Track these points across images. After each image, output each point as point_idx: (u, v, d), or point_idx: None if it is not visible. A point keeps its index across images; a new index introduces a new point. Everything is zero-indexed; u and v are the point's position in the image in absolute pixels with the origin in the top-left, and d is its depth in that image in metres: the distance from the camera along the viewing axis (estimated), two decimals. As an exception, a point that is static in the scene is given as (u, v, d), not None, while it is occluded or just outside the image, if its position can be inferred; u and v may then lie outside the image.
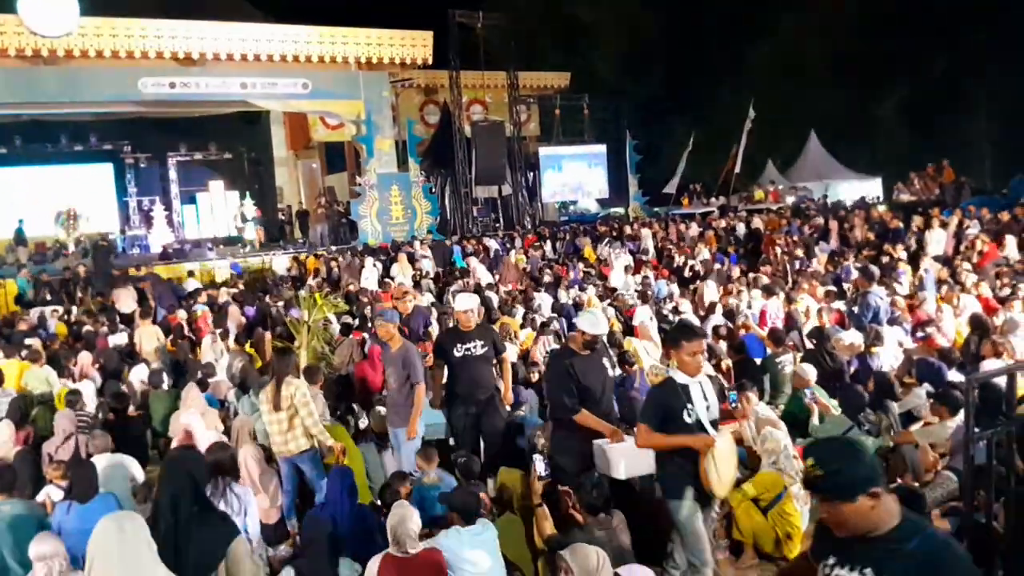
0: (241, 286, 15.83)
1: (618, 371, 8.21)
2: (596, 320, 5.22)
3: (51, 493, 5.89)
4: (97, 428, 6.48)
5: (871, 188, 26.68)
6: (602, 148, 27.18)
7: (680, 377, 4.32)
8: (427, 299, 12.73)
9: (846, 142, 29.43)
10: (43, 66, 17.89)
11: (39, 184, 23.28)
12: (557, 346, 9.33)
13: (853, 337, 8.56)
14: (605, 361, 5.33)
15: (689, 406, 4.24)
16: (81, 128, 23.52)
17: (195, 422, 6.48)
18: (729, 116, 26.95)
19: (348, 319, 11.77)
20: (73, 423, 6.86)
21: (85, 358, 9.66)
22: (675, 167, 26.24)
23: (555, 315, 11.05)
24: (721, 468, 4.18)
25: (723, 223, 20.00)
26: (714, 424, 4.35)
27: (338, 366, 9.50)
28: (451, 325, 7.23)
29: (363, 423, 7.67)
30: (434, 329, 10.09)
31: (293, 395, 5.77)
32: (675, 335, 4.54)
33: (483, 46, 23.84)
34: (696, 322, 10.44)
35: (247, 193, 25.64)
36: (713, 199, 26.11)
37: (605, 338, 5.94)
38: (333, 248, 19.97)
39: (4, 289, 16.08)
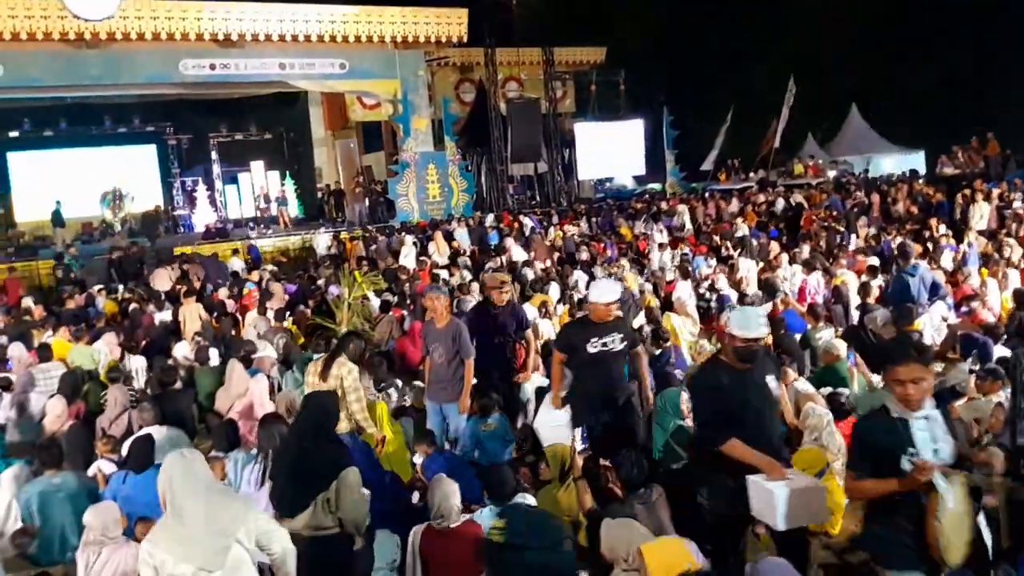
0: (279, 263, 16.10)
1: (653, 348, 8.30)
2: (748, 319, 3.97)
3: (102, 467, 6.07)
4: (143, 403, 6.64)
5: (914, 162, 26.08)
6: (638, 123, 26.91)
7: (896, 409, 3.34)
8: (467, 276, 12.82)
9: (888, 115, 28.77)
10: (86, 49, 18.21)
11: (84, 166, 23.79)
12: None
13: (882, 316, 8.45)
14: (769, 379, 4.12)
15: (911, 449, 3.26)
16: (124, 110, 23.95)
17: (260, 390, 6.67)
18: (768, 90, 26.49)
19: (387, 296, 11.92)
20: (127, 397, 7.08)
21: (111, 338, 9.78)
22: (712, 142, 25.93)
23: (592, 292, 11.03)
24: (952, 530, 3.19)
25: (762, 198, 19.76)
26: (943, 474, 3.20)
27: (378, 342, 9.64)
28: (582, 316, 6.30)
29: (406, 399, 7.80)
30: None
31: (343, 376, 5.74)
32: (886, 355, 3.63)
33: (518, 22, 23.72)
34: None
35: (287, 173, 25.96)
36: (752, 174, 25.77)
37: (766, 341, 4.72)
38: (371, 227, 20.14)
39: (51, 269, 16.54)
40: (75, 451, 6.27)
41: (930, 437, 3.29)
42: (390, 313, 10.60)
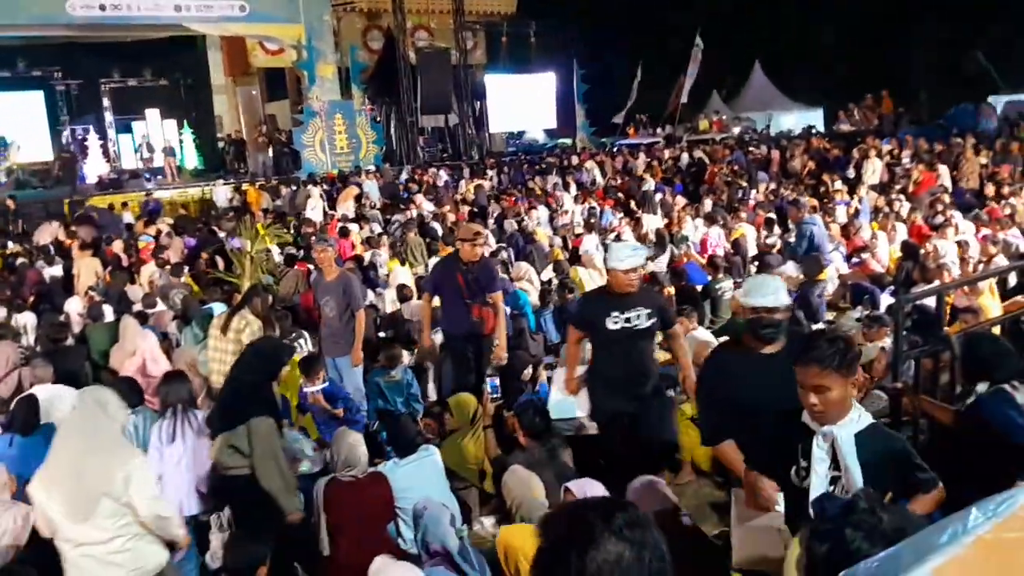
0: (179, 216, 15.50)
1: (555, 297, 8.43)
2: (758, 286, 3.37)
3: (-13, 428, 5.81)
4: (36, 359, 6.34)
5: (813, 118, 26.97)
6: (550, 76, 26.85)
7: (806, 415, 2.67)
8: (376, 228, 12.66)
9: (789, 73, 29.57)
10: (-36, -15, 16.85)
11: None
12: (505, 276, 9.44)
13: (790, 270, 8.82)
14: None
15: (802, 463, 2.68)
16: (8, 53, 22.28)
17: (153, 347, 6.47)
18: (676, 46, 26.79)
19: (291, 250, 11.67)
20: (16, 355, 6.75)
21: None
22: (623, 97, 26.14)
23: (503, 245, 11.08)
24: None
25: (668, 153, 20.12)
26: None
27: (284, 296, 9.46)
28: (600, 286, 5.47)
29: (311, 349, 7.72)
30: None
31: (241, 331, 5.70)
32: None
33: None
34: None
35: (185, 122, 24.84)
36: (659, 129, 26.16)
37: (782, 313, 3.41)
38: (275, 178, 19.57)
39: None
40: (-44, 412, 5.95)
41: (830, 458, 2.61)
42: (295, 267, 10.39)
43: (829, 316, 8.43)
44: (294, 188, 17.58)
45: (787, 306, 3.38)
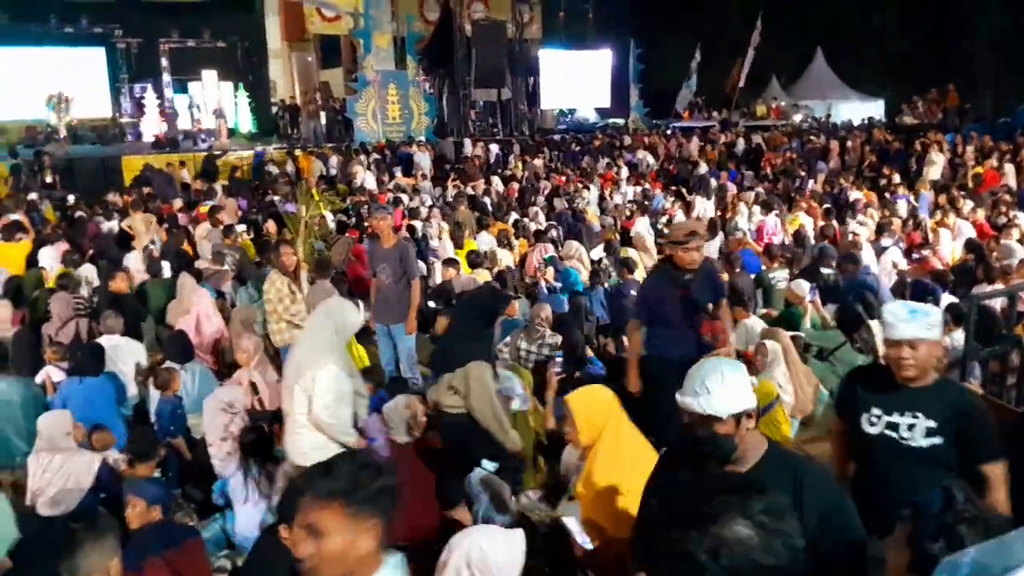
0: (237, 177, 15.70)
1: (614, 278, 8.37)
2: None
3: (51, 373, 5.95)
4: (106, 311, 6.48)
5: (874, 109, 26.32)
6: (605, 54, 26.53)
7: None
8: (427, 200, 12.68)
9: (851, 61, 28.83)
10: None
11: (27, 66, 22.56)
12: (554, 254, 9.40)
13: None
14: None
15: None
16: (71, 8, 22.65)
17: (208, 305, 6.59)
18: (735, 28, 26.26)
19: (343, 217, 11.75)
20: (70, 307, 6.89)
21: (62, 245, 9.53)
22: (679, 79, 25.73)
23: (553, 223, 11.02)
24: None
25: (723, 138, 19.80)
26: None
27: (336, 263, 9.53)
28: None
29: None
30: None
31: (267, 291, 5.93)
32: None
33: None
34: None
35: (240, 85, 25.06)
36: (715, 113, 25.74)
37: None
38: (327, 145, 19.68)
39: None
40: (22, 357, 6.12)
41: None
42: (346, 234, 10.46)
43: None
44: (345, 155, 17.67)
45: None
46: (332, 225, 10.99)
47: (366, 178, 15.24)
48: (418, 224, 11.11)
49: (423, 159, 17.45)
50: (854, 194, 12.58)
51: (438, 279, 9.28)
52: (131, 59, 24.19)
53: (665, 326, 4.61)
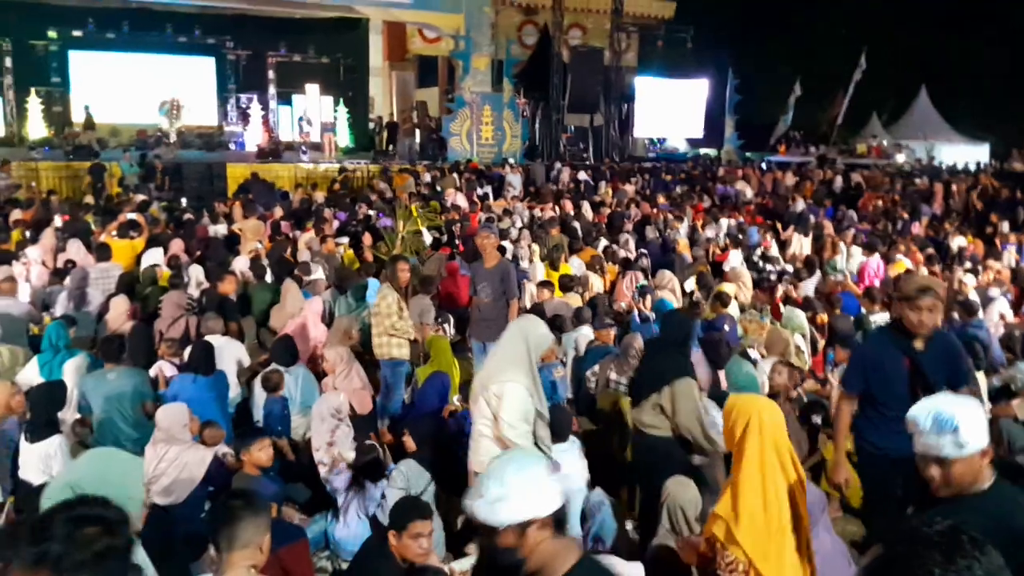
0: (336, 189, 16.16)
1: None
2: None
3: (163, 368, 6.23)
4: (210, 311, 6.76)
5: (978, 153, 25.38)
6: (701, 84, 26.32)
7: None
8: (518, 222, 12.79)
9: (955, 103, 27.90)
10: (157, -46, 18.17)
11: (142, 72, 23.84)
12: (646, 282, 9.35)
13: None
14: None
15: None
16: (186, 19, 23.84)
17: (313, 312, 6.78)
18: (838, 61, 25.78)
19: (436, 234, 11.95)
20: (183, 304, 7.21)
21: (177, 245, 10.03)
22: (776, 112, 25.35)
23: (643, 252, 10.97)
24: None
25: (821, 174, 19.38)
26: None
27: (429, 279, 9.69)
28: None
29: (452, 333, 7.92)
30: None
31: (378, 304, 6.04)
32: None
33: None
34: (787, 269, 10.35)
35: (340, 100, 25.83)
36: (812, 149, 25.22)
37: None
38: (421, 163, 20.08)
39: (108, 172, 16.76)
40: (137, 350, 6.42)
41: None
42: (439, 251, 10.64)
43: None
44: (439, 173, 17.99)
45: None
46: (427, 241, 11.18)
47: (458, 197, 15.47)
48: (508, 245, 11.21)
49: (515, 180, 17.63)
50: (959, 241, 12.13)
51: (528, 301, 9.34)
52: (239, 70, 25.25)
53: (882, 405, 3.74)
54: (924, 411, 2.42)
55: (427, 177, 17.75)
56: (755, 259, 10.82)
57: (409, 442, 4.40)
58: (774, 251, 11.29)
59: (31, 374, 6.07)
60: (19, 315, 7.54)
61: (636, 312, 8.28)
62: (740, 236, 11.74)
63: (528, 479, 2.01)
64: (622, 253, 11.07)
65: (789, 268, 10.14)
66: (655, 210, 14.75)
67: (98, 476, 2.37)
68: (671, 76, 26.03)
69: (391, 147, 23.14)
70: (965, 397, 2.56)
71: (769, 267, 10.16)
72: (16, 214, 12.05)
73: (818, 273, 10.27)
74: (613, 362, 6.15)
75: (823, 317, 7.85)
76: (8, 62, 22.25)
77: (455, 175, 17.61)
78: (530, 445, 3.97)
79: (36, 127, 21.86)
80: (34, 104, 22.05)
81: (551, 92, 22.77)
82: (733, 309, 8.53)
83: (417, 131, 23.09)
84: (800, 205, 14.96)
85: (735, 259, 10.49)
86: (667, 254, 11.43)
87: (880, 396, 3.72)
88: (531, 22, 25.58)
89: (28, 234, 10.56)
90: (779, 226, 13.83)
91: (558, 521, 2.06)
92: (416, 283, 7.17)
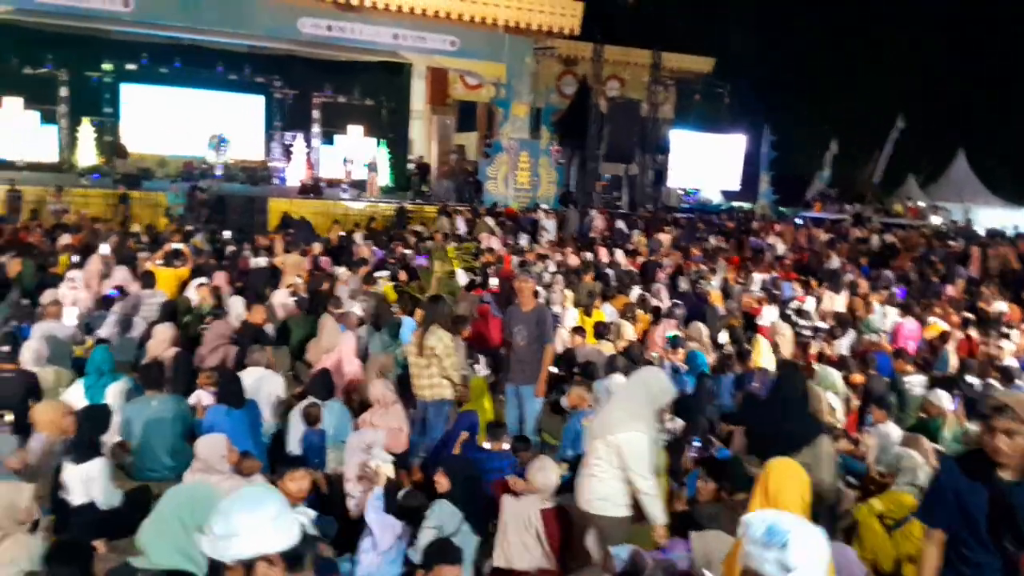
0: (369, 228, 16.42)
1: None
2: None
3: (202, 397, 6.37)
4: (251, 343, 6.90)
5: (1017, 217, 25.12)
6: (737, 138, 26.53)
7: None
8: (551, 267, 12.89)
9: (992, 166, 27.74)
10: (213, -5, 18.87)
11: (192, 107, 24.58)
12: (679, 333, 9.36)
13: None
14: None
15: None
16: (237, 59, 24.60)
17: (349, 347, 6.88)
18: (876, 120, 25.84)
19: (471, 275, 12.08)
20: (224, 335, 7.38)
21: (220, 276, 10.25)
22: (812, 167, 25.42)
23: (677, 302, 10.99)
24: None
25: (856, 233, 19.33)
26: None
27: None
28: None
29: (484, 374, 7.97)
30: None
31: (435, 346, 6.00)
32: None
33: (629, 23, 23.61)
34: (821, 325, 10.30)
35: (381, 141, 26.35)
36: (848, 206, 25.18)
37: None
38: (457, 205, 20.34)
39: (155, 202, 17.26)
40: (178, 377, 6.56)
41: None
42: (472, 292, 10.76)
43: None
44: (473, 215, 18.21)
45: None
46: (462, 282, 11.31)
47: (492, 240, 15.65)
48: (541, 290, 11.30)
49: (549, 225, 17.79)
50: (998, 305, 12.00)
51: (560, 346, 9.40)
52: (285, 109, 25.91)
53: (970, 547, 3.09)
54: (761, 518, 2.24)
55: (462, 219, 17.98)
56: (789, 314, 10.80)
57: (442, 481, 4.44)
58: (808, 303, 11.25)
59: (75, 396, 6.23)
60: (64, 337, 7.75)
61: (667, 363, 8.29)
62: (774, 290, 11.72)
63: (256, 517, 2.04)
64: (655, 302, 11.10)
65: (823, 325, 10.09)
66: (688, 260, 14.80)
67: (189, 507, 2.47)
68: (707, 130, 26.28)
69: (427, 188, 23.48)
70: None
71: (803, 323, 10.13)
72: (65, 239, 12.42)
73: (852, 331, 10.21)
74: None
75: (857, 377, 7.80)
76: (64, 92, 23.04)
77: (489, 218, 17.82)
78: (661, 494, 4.09)
79: (87, 155, 22.54)
80: (86, 133, 22.77)
81: (588, 141, 23.08)
82: (768, 363, 8.53)
83: (454, 174, 23.45)
84: (835, 262, 14.92)
85: (770, 313, 10.48)
86: (700, 305, 11.44)
87: (969, 535, 3.07)
88: (570, 73, 26.06)
89: (75, 258, 10.87)
90: (812, 282, 13.78)
91: (292, 558, 2.08)
92: (449, 323, 7.24)
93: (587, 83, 23.72)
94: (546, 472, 4.27)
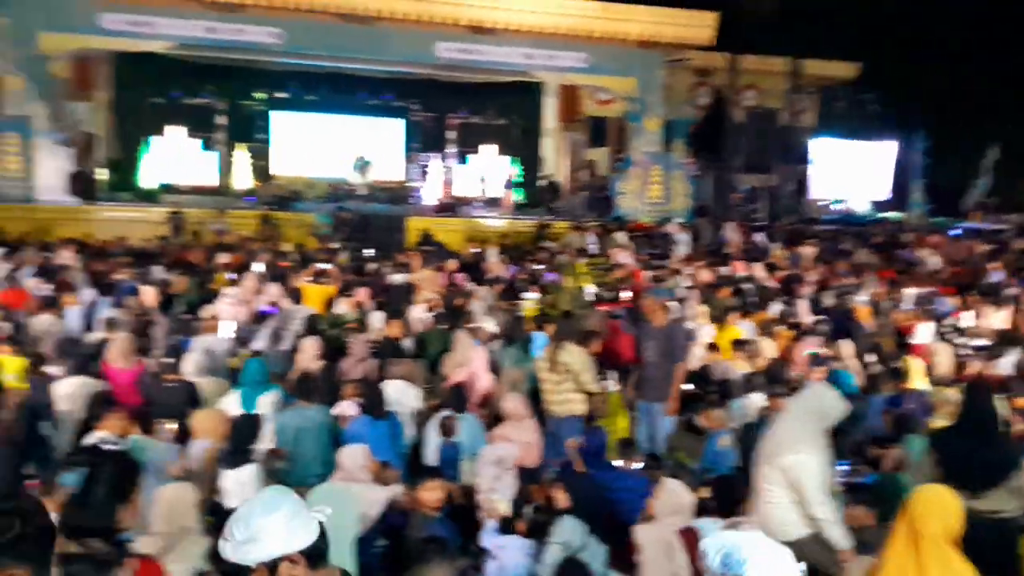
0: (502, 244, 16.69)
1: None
2: None
3: (346, 408, 6.65)
4: (390, 356, 7.16)
5: None
6: (886, 146, 25.17)
7: None
8: (685, 282, 12.66)
9: None
10: (356, 25, 19.79)
11: (336, 132, 25.86)
12: (821, 351, 8.96)
13: None
14: None
15: None
16: (378, 84, 25.67)
17: (481, 361, 7.02)
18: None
19: (602, 291, 12.04)
20: (366, 348, 7.69)
21: (362, 292, 10.67)
22: (969, 176, 23.75)
23: (822, 318, 10.51)
24: None
25: (1018, 245, 17.89)
26: None
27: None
28: None
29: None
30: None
31: (569, 362, 6.06)
32: None
33: (767, 30, 22.89)
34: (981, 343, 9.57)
35: (514, 159, 26.77)
36: (1009, 216, 23.33)
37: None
38: (587, 220, 20.34)
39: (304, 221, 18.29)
40: (324, 389, 6.88)
41: None
42: (601, 307, 10.71)
43: None
44: (604, 230, 18.16)
45: None
46: (591, 298, 11.30)
47: (624, 254, 15.53)
48: (674, 305, 11.10)
49: (682, 239, 17.48)
50: None
51: (694, 362, 9.19)
52: (423, 131, 26.80)
53: None
54: (717, 544, 2.25)
55: (592, 235, 17.96)
56: (945, 331, 10.11)
57: (560, 497, 4.43)
58: (967, 322, 10.50)
59: (231, 405, 6.65)
60: (221, 351, 8.31)
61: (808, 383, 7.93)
62: (929, 306, 11.01)
63: (273, 519, 2.11)
64: (797, 318, 10.67)
65: (983, 342, 9.38)
66: (834, 275, 14.14)
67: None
68: (853, 137, 25.09)
69: (558, 204, 23.61)
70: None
71: (962, 340, 9.46)
72: (222, 257, 13.32)
73: (1015, 350, 9.42)
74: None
75: (1022, 400, 7.19)
76: (223, 120, 24.81)
77: (621, 233, 17.71)
78: (837, 518, 3.96)
79: (242, 179, 24.12)
80: (241, 158, 24.39)
81: (723, 152, 22.55)
82: (921, 384, 8.03)
83: (585, 189, 23.47)
84: (996, 275, 13.86)
85: (925, 331, 9.85)
86: (846, 322, 10.91)
87: None
88: (705, 84, 25.54)
89: (232, 276, 11.64)
90: (970, 298, 12.84)
91: (314, 555, 2.15)
92: (580, 338, 7.24)
93: (722, 93, 23.21)
94: (676, 493, 4.17)
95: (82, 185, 19.26)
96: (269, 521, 2.13)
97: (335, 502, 2.82)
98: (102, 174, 20.42)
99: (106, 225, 17.46)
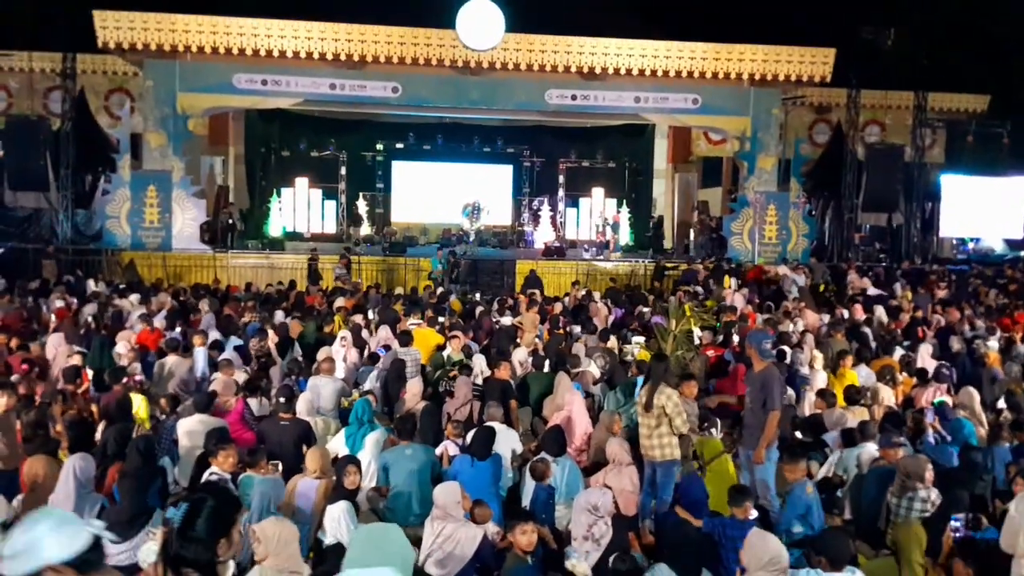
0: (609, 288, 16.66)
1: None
2: None
3: (448, 447, 6.79)
4: (491, 399, 7.28)
5: None
6: (1020, 181, 23.63)
7: None
8: (800, 326, 12.25)
9: None
10: (468, 76, 20.48)
11: (450, 179, 26.71)
12: (946, 398, 8.46)
13: None
14: None
15: None
16: (491, 132, 26.42)
17: (579, 405, 7.04)
18: None
19: (710, 334, 11.79)
20: (470, 390, 7.85)
21: (468, 335, 10.82)
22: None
23: (946, 363, 9.94)
24: None
25: None
26: None
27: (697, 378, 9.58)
28: None
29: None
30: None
31: (664, 405, 5.99)
32: None
33: (888, 64, 22.08)
34: None
35: (623, 201, 26.78)
36: None
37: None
38: (698, 261, 20.04)
39: (418, 266, 18.88)
40: (427, 429, 7.08)
41: None
42: (704, 352, 10.51)
43: None
44: (713, 272, 17.81)
45: None
46: (697, 340, 11.09)
47: (735, 297, 15.18)
48: (787, 350, 10.74)
49: (797, 280, 16.92)
50: None
51: (807, 410, 8.87)
52: (533, 175, 27.27)
53: None
54: None
55: (700, 276, 17.66)
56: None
57: (650, 541, 4.36)
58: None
59: (338, 444, 6.92)
60: (333, 391, 8.65)
61: (931, 432, 7.51)
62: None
63: (32, 533, 2.24)
64: (920, 364, 10.13)
65: None
66: (962, 318, 13.35)
67: (376, 547, 2.71)
68: (984, 173, 23.70)
69: (671, 245, 23.39)
70: None
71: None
72: (339, 301, 13.91)
73: None
74: (894, 484, 5.63)
75: None
76: (344, 171, 26.08)
77: (733, 277, 17.32)
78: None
79: (361, 226, 25.20)
80: (361, 206, 25.51)
81: (843, 190, 21.80)
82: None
83: (698, 230, 23.16)
84: None
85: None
86: (975, 368, 10.27)
87: None
88: (824, 120, 24.84)
89: (348, 320, 12.12)
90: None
91: (82, 564, 2.27)
92: (673, 381, 7.14)
93: (842, 129, 22.50)
94: (765, 541, 4.01)
95: (214, 234, 20.64)
96: (28, 535, 2.27)
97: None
98: (233, 223, 21.80)
99: (234, 271, 18.63)
